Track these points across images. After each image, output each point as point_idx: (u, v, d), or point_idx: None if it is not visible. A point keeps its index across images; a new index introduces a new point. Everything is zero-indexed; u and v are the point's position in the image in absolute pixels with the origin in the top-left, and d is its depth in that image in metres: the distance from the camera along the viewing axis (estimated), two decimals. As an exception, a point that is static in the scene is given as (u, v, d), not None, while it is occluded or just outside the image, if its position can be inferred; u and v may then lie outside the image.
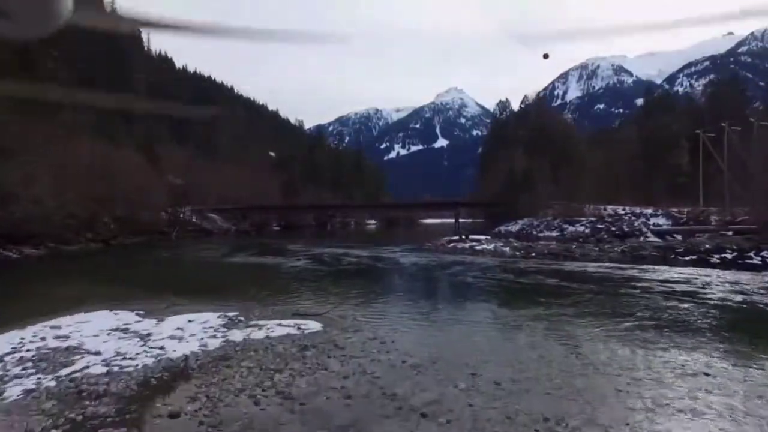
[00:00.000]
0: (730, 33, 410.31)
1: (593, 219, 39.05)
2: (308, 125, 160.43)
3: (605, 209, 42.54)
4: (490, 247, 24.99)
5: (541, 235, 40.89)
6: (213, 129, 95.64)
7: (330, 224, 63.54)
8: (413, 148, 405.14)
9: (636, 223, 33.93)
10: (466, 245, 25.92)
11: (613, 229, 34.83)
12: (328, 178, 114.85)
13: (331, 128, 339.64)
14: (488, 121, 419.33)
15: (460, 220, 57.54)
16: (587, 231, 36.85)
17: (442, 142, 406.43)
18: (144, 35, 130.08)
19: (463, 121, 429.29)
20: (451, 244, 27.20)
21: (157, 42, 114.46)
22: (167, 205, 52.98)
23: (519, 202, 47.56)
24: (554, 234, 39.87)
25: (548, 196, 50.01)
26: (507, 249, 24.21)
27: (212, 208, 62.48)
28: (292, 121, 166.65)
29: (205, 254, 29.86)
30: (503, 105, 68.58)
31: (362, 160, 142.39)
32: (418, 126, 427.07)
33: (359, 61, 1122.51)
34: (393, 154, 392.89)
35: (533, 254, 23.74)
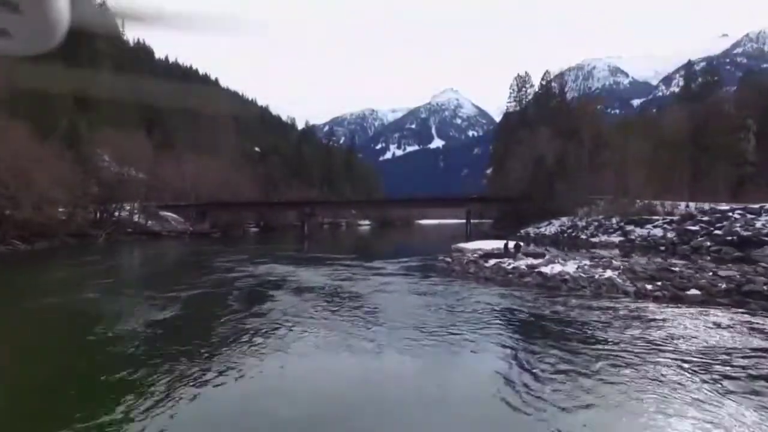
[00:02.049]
0: (725, 35, 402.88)
1: (673, 218, 26.75)
2: (302, 125, 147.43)
3: (679, 206, 30.39)
4: (572, 270, 12.61)
5: (594, 239, 28.70)
6: (191, 121, 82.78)
7: (307, 225, 50.57)
8: (409, 149, 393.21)
9: (758, 224, 21.62)
10: (521, 265, 13.67)
11: (718, 233, 22.48)
12: (318, 175, 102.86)
13: (326, 128, 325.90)
14: (484, 121, 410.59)
15: (459, 220, 45.35)
16: (671, 235, 24.56)
17: (437, 143, 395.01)
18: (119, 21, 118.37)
19: (458, 121, 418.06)
20: (490, 263, 14.76)
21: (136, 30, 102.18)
22: (98, 201, 40.34)
23: (555, 196, 35.30)
24: (615, 239, 27.67)
25: (588, 189, 37.70)
26: (624, 280, 11.49)
27: (164, 205, 49.68)
28: (284, 118, 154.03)
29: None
30: (522, 80, 55.97)
31: (354, 156, 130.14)
32: (413, 126, 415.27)
33: (355, 61, 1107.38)
34: (388, 155, 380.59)
35: (699, 291, 10.98)
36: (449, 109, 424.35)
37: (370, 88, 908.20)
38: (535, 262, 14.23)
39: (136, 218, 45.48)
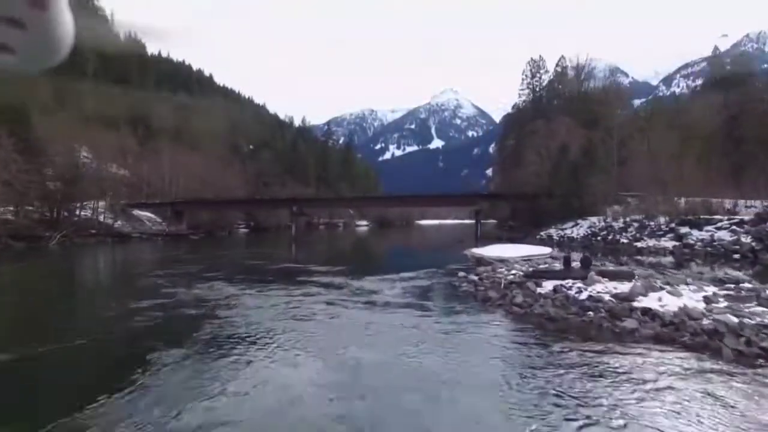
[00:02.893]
0: (725, 35, 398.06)
1: (742, 218, 21.32)
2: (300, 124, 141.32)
3: (737, 204, 24.98)
4: (702, 305, 7.26)
5: (639, 244, 23.25)
6: (181, 117, 77.24)
7: (295, 226, 44.84)
8: (408, 149, 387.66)
9: None
10: (602, 294, 8.33)
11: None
12: (314, 174, 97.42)
13: (325, 128, 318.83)
14: (484, 122, 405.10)
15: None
16: (746, 239, 19.09)
17: (437, 143, 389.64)
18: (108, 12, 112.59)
19: (458, 122, 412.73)
20: (547, 287, 9.26)
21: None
22: (54, 198, 34.95)
23: (582, 192, 29.94)
24: (667, 243, 22.27)
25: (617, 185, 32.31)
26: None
27: (137, 203, 44.21)
28: (282, 117, 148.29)
29: None
30: (536, 65, 49.87)
31: (352, 154, 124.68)
32: (413, 127, 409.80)
33: (354, 62, 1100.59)
34: (388, 155, 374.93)
35: None
36: (449, 110, 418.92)
37: (370, 88, 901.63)
38: (622, 287, 8.72)
39: (103, 218, 39.94)
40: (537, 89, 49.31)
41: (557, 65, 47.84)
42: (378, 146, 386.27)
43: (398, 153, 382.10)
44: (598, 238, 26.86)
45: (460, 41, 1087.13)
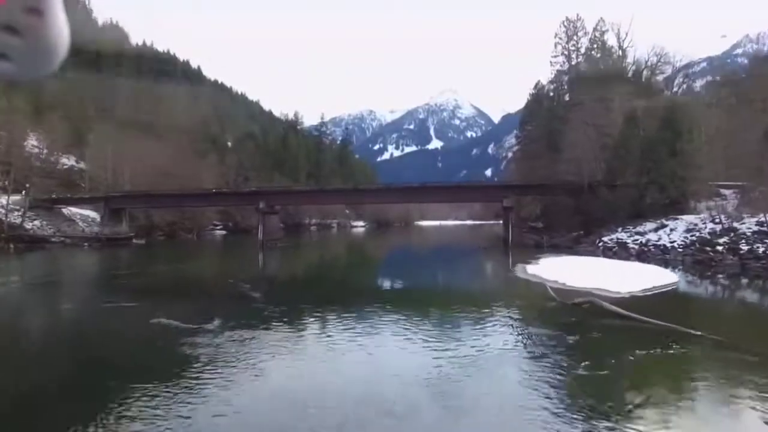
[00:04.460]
0: (724, 36, 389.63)
1: None
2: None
3: None
4: None
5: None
6: (153, 105, 67.08)
7: (263, 228, 33.39)
8: (407, 150, 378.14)
9: None
10: None
11: None
12: (306, 170, 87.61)
13: (323, 128, 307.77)
14: (483, 122, 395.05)
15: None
16: None
17: (436, 144, 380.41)
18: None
19: (457, 122, 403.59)
20: None
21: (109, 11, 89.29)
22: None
23: (667, 181, 20.26)
24: None
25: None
26: None
27: (65, 198, 34.24)
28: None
29: None
30: (573, 26, 38.47)
31: (348, 151, 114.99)
32: (411, 127, 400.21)
33: (353, 62, 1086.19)
34: (386, 156, 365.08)
35: None
36: (448, 110, 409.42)
37: (368, 88, 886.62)
38: None
39: (15, 218, 29.97)
40: (572, 56, 39.13)
41: (595, 29, 37.71)
42: (376, 146, 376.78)
43: (397, 153, 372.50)
44: (716, 248, 17.08)
45: (460, 42, 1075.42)
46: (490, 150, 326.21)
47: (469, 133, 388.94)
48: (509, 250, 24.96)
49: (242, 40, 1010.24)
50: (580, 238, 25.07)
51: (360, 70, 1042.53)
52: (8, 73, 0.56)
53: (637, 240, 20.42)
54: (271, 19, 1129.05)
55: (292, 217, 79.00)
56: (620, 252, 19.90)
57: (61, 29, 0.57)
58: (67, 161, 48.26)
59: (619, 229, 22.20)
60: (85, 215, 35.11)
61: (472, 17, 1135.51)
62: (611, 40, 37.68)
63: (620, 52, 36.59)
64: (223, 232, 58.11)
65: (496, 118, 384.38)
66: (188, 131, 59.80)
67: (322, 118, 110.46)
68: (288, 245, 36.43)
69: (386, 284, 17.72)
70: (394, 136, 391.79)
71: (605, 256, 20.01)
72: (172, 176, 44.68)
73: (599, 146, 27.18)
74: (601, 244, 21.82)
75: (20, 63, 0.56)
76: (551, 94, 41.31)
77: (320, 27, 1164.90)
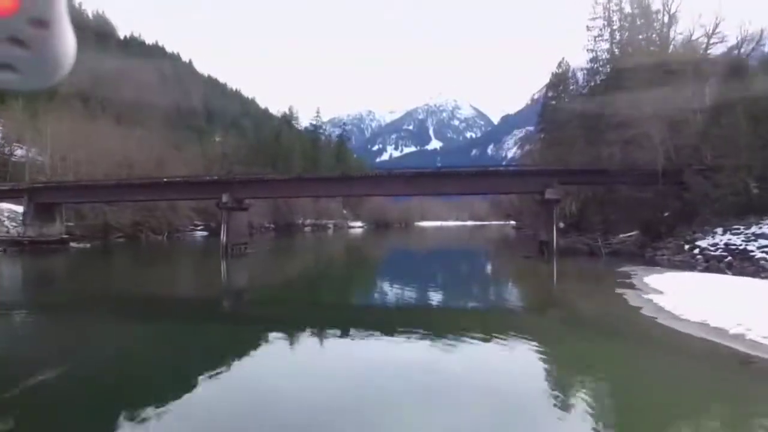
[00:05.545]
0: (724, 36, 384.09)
1: None
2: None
3: None
4: None
5: None
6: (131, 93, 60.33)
7: (226, 228, 24.81)
8: (406, 150, 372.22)
9: None
10: None
11: None
12: (300, 167, 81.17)
13: (318, 122, 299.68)
14: (482, 123, 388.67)
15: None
16: None
17: (435, 144, 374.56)
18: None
19: (456, 123, 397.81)
20: None
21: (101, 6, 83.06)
22: None
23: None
24: None
25: None
26: None
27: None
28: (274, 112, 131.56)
29: None
30: None
31: (345, 148, 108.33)
32: (411, 128, 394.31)
33: (352, 62, 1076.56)
34: (385, 156, 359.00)
35: None
36: (447, 111, 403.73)
37: (368, 88, 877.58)
38: None
39: None
40: (615, 18, 32.08)
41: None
42: (375, 147, 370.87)
43: (396, 154, 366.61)
44: None
45: (459, 42, 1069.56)
46: (489, 151, 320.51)
47: (468, 134, 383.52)
48: (550, 257, 18.34)
49: (242, 39, 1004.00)
50: (650, 242, 18.51)
51: (359, 70, 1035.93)
52: (14, 83, 0.56)
53: (764, 246, 13.89)
54: (271, 19, 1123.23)
55: (284, 217, 72.33)
56: (740, 265, 13.42)
57: (67, 41, 0.57)
58: (21, 151, 41.63)
59: (719, 230, 15.71)
60: (16, 212, 28.35)
61: (472, 18, 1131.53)
62: (656, 3, 31.04)
63: (666, 18, 29.99)
64: (205, 233, 51.26)
65: (495, 119, 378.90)
66: (166, 121, 53.03)
67: (317, 113, 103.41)
68: (262, 250, 29.63)
69: (391, 350, 8.42)
70: (393, 136, 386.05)
71: (712, 270, 13.49)
72: (139, 168, 37.97)
73: (666, 124, 20.62)
74: (697, 251, 15.31)
75: (26, 74, 0.56)
76: (591, 65, 34.41)
77: (320, 27, 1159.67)
